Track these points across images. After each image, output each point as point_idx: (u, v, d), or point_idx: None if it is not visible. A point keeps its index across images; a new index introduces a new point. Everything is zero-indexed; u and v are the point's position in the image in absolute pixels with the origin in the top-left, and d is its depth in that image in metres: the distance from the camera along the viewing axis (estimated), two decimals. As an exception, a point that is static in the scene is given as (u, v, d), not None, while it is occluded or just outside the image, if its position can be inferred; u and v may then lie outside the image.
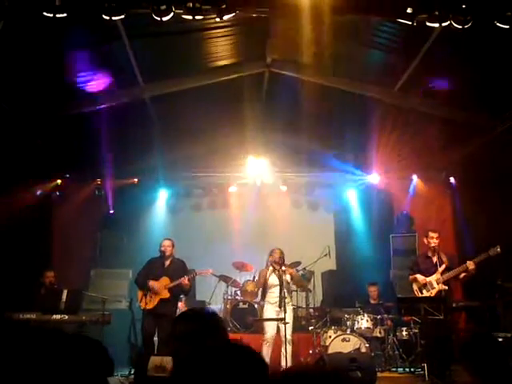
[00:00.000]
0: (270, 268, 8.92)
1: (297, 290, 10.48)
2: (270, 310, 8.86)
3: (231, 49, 9.72)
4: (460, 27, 6.40)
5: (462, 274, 8.68)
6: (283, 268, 8.85)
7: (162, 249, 8.98)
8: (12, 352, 1.73)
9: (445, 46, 7.84)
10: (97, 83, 9.28)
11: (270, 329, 8.70)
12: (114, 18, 6.35)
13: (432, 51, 8.13)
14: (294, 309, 9.53)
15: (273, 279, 8.87)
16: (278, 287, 8.71)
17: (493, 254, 8.40)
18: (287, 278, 8.90)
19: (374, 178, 12.56)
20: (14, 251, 9.74)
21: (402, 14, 6.65)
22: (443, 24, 6.47)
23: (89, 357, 1.80)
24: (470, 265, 8.48)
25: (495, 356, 3.31)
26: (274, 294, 8.81)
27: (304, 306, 11.42)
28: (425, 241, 9.13)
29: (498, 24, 6.41)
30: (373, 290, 10.75)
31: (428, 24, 6.58)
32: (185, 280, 8.72)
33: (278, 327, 8.63)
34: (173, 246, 9.10)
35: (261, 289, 9.32)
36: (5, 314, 8.51)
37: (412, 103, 10.02)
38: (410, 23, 6.62)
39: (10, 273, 9.38)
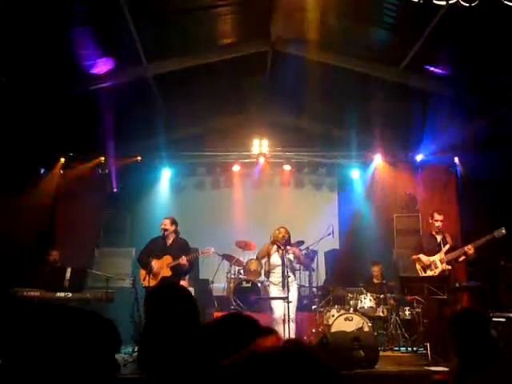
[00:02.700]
0: (274, 246, 8.91)
1: (300, 269, 10.48)
2: (274, 291, 8.85)
3: (235, 27, 9.64)
4: (467, 5, 6.33)
5: (462, 257, 8.70)
6: (288, 247, 8.84)
7: (162, 227, 8.99)
8: (19, 327, 1.73)
9: (451, 25, 7.76)
10: (100, 65, 9.25)
11: (277, 308, 8.65)
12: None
13: (438, 30, 8.04)
14: (297, 288, 9.47)
15: (275, 259, 8.86)
16: (281, 267, 8.70)
17: (498, 236, 8.40)
18: (290, 257, 8.89)
19: (378, 157, 12.51)
20: (19, 229, 9.77)
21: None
22: (450, 1, 6.40)
23: (96, 332, 1.81)
24: (469, 249, 8.50)
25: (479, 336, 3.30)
26: (277, 275, 8.79)
27: (307, 285, 11.44)
28: (430, 221, 9.15)
29: (505, 2, 6.34)
30: (376, 270, 10.77)
31: (435, 1, 6.50)
32: (183, 260, 8.70)
33: (285, 306, 8.60)
34: (172, 223, 9.06)
35: (263, 268, 9.33)
36: (10, 291, 8.57)
37: (417, 82, 9.95)
38: (417, 1, 6.56)
39: (14, 251, 9.42)
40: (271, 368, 1.33)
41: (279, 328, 8.29)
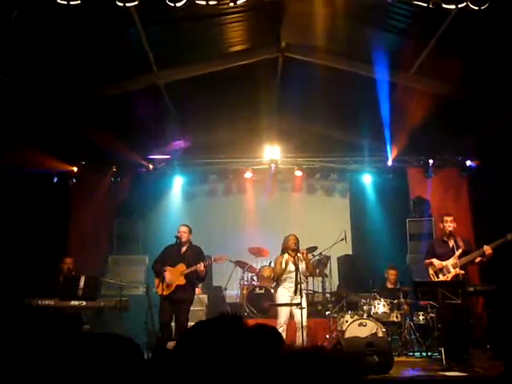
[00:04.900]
0: (286, 255, 8.89)
1: (312, 276, 10.45)
2: (283, 296, 8.84)
3: (245, 34, 9.65)
4: (476, 8, 6.32)
5: (478, 259, 8.63)
6: (298, 254, 8.83)
7: (179, 234, 9.00)
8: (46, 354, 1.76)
9: (461, 28, 7.73)
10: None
11: (283, 314, 8.69)
12: (127, 5, 6.34)
13: (448, 33, 8.02)
14: (308, 294, 9.45)
15: (290, 266, 8.85)
16: (294, 273, 8.69)
17: (510, 239, 8.34)
18: (302, 264, 8.88)
19: (390, 162, 12.46)
20: (33, 238, 9.83)
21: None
22: (459, 5, 6.38)
23: (120, 355, 1.82)
24: (487, 250, 8.44)
25: None
26: (290, 280, 8.79)
27: (320, 291, 11.42)
28: (440, 225, 9.10)
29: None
30: (392, 274, 10.66)
31: (444, 6, 6.49)
32: (201, 266, 8.72)
33: (292, 313, 8.63)
34: (189, 232, 9.11)
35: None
36: (24, 300, 8.63)
37: (427, 86, 9.92)
38: (426, 5, 6.55)
39: (28, 260, 9.48)
40: (296, 368, 1.33)
41: (283, 333, 8.31)
